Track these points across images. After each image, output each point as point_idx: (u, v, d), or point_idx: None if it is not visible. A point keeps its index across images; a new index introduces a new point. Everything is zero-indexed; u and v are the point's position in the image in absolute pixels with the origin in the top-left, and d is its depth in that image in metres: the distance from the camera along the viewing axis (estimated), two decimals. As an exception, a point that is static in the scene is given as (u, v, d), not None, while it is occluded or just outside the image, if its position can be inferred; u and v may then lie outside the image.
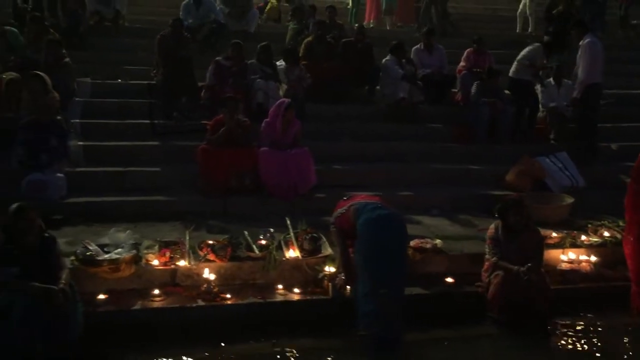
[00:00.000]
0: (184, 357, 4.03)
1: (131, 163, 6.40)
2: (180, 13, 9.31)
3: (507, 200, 4.72)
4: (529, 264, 4.33)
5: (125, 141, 6.72)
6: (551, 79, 7.79)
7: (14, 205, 3.99)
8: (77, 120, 6.69)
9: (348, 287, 4.34)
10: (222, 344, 4.17)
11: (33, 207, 4.03)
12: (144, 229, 5.37)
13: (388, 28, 12.39)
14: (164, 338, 4.15)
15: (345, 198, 4.51)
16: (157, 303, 4.35)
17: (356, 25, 9.14)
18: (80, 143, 6.34)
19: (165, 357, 4.02)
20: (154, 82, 7.56)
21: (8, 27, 6.83)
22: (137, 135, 6.85)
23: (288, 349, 4.16)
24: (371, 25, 12.20)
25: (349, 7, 12.83)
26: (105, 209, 5.74)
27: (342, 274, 4.41)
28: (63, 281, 3.90)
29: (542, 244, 4.68)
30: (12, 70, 6.36)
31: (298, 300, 4.49)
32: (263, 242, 4.88)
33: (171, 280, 4.61)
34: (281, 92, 7.29)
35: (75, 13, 8.70)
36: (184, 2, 9.38)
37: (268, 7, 12.11)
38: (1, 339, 3.74)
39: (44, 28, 7.06)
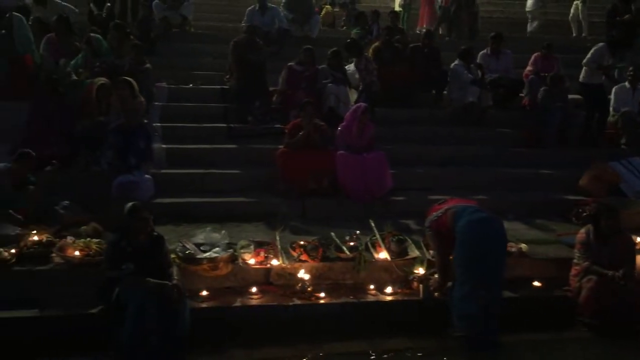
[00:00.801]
0: (284, 353, 4.19)
1: (210, 165, 6.59)
2: (245, 19, 9.57)
3: (599, 205, 4.74)
4: (624, 269, 4.34)
5: (203, 144, 6.92)
6: (626, 83, 7.71)
7: (129, 205, 4.21)
8: (158, 124, 6.93)
9: (441, 288, 4.42)
10: (318, 342, 4.30)
11: (146, 207, 4.25)
12: (229, 229, 5.54)
13: (440, 33, 12.42)
14: (262, 334, 4.30)
15: (439, 202, 4.59)
16: (255, 301, 4.51)
17: (423, 29, 9.19)
18: (163, 146, 6.56)
19: (266, 352, 4.19)
20: (227, 86, 7.78)
21: (93, 34, 7.12)
22: (213, 138, 7.05)
23: (382, 349, 4.28)
24: (424, 30, 12.25)
25: (399, 11, 12.89)
26: (190, 210, 5.94)
27: (436, 276, 4.49)
28: (175, 278, 4.11)
29: (634, 249, 4.68)
30: (98, 75, 6.63)
31: (390, 301, 4.59)
32: (352, 243, 5.00)
33: (264, 279, 4.76)
34: (351, 97, 7.41)
35: (147, 20, 9.02)
36: (249, 9, 9.62)
37: (323, 12, 12.32)
38: (118, 332, 3.96)
39: (126, 35, 7.35)
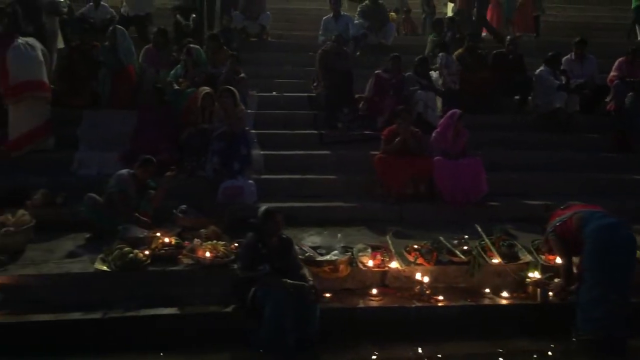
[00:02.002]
0: (410, 352, 4.33)
1: (304, 171, 6.80)
2: (321, 28, 9.80)
3: None
4: None
5: (295, 150, 7.13)
6: None
7: (263, 208, 4.43)
8: (253, 131, 7.17)
9: (563, 292, 4.49)
10: (440, 343, 4.43)
11: (279, 210, 4.46)
12: (334, 233, 5.72)
13: (508, 38, 12.38)
14: (387, 334, 4.44)
15: (562, 207, 4.66)
16: (375, 302, 4.66)
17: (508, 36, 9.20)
18: (262, 152, 6.79)
19: (393, 352, 4.34)
20: (314, 94, 7.99)
21: (193, 45, 7.42)
22: (304, 144, 7.25)
23: (504, 350, 4.38)
24: (509, 37, 12.23)
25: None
26: (293, 214, 6.07)
27: (555, 280, 4.56)
28: (310, 279, 4.29)
29: None
30: (197, 85, 6.91)
31: (509, 304, 4.68)
32: (464, 247, 5.11)
33: (380, 282, 4.91)
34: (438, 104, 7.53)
35: (229, 30, 9.32)
36: (324, 18, 9.84)
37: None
38: (255, 330, 4.17)
39: (220, 45, 7.64)
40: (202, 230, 5.33)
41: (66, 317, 4.30)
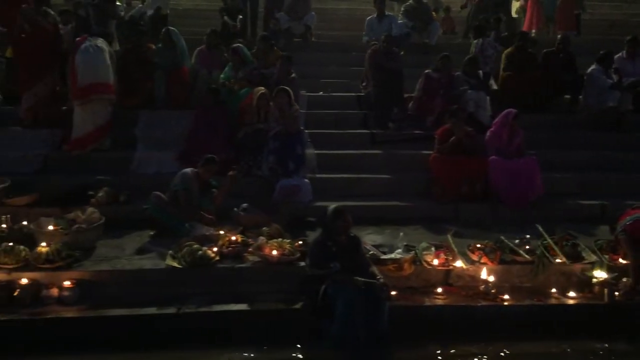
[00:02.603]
0: (478, 350, 4.35)
1: (356, 170, 6.85)
2: (365, 28, 9.84)
3: None
4: None
5: (345, 150, 7.18)
6: None
7: (332, 207, 4.50)
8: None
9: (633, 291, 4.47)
10: (509, 341, 4.44)
11: (346, 210, 4.53)
12: (392, 232, 5.76)
13: (550, 36, 12.28)
14: (455, 332, 4.47)
15: (634, 206, 4.64)
16: (441, 300, 4.70)
17: (559, 35, 9.14)
18: (315, 151, 6.85)
19: (462, 349, 4.37)
20: (362, 93, 8.03)
21: (241, 45, 7.53)
22: (355, 144, 7.29)
23: (572, 350, 4.38)
24: (532, 34, 12.15)
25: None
26: (350, 213, 6.17)
27: (624, 279, 4.54)
28: (380, 277, 4.35)
29: None
30: (253, 84, 7.01)
31: (575, 304, 4.68)
32: (527, 247, 5.11)
33: (444, 280, 4.94)
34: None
35: (275, 30, 9.42)
36: (368, 18, 9.89)
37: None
38: (328, 327, 4.24)
39: (271, 46, 7.73)
40: (263, 228, 5.44)
41: (141, 312, 4.43)
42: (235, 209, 5.74)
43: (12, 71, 7.13)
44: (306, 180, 6.34)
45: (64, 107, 6.94)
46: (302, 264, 4.86)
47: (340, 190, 6.55)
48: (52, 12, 6.96)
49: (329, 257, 4.37)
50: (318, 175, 6.62)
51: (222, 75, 7.41)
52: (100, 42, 6.61)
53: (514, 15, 12.49)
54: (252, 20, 10.41)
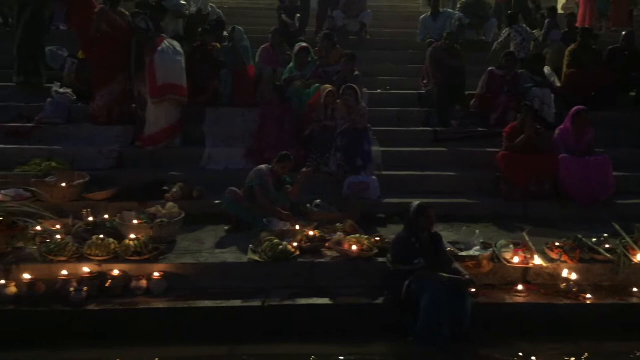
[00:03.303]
0: (566, 347, 4.35)
1: (420, 167, 6.87)
2: (419, 26, 9.83)
3: None
4: None
5: (408, 147, 7.20)
6: None
7: (416, 204, 4.54)
8: (369, 128, 7.29)
9: None
10: (595, 340, 4.43)
11: (431, 205, 4.57)
12: (463, 229, 5.76)
13: (603, 32, 12.06)
14: (538, 329, 4.48)
15: None
16: (521, 298, 4.69)
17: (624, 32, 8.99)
18: (380, 149, 6.89)
19: (549, 346, 4.37)
20: (423, 91, 8.04)
21: (305, 44, 7.62)
22: (417, 141, 7.30)
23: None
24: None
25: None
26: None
27: None
28: (466, 273, 4.38)
29: None
30: (316, 83, 7.09)
31: (660, 303, 4.63)
32: (606, 245, 5.06)
33: (522, 278, 4.93)
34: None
35: (330, 28, 9.47)
36: (422, 16, 9.88)
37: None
38: (411, 322, 4.29)
39: (334, 44, 7.80)
40: (337, 224, 5.51)
41: (227, 304, 4.55)
42: (308, 204, 5.83)
43: (82, 71, 7.33)
44: (374, 177, 6.39)
45: (133, 105, 7.17)
46: (380, 259, 4.93)
47: (406, 187, 6.58)
48: (127, 12, 7.15)
49: (412, 252, 4.42)
50: (386, 172, 6.66)
51: (284, 74, 7.50)
52: (176, 45, 6.77)
53: (559, 11, 12.31)
54: (301, 18, 10.46)
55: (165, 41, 6.73)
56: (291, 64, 7.52)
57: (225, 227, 5.72)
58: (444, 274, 4.30)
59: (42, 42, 7.56)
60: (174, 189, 6.08)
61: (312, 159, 6.51)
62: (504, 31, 9.25)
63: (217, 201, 5.92)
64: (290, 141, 6.59)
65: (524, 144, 6.35)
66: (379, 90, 8.54)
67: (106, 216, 5.56)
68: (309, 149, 6.60)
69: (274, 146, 6.48)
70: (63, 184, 5.94)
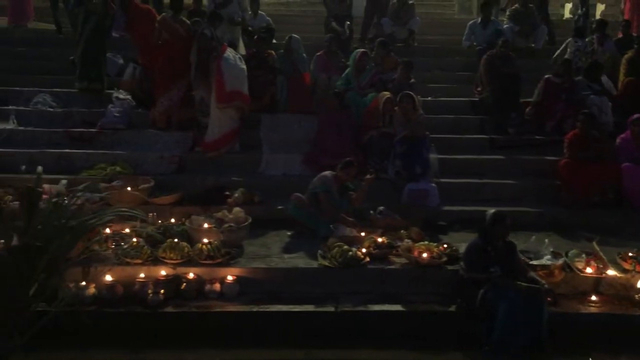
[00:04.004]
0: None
1: (479, 175, 6.85)
2: (466, 32, 9.80)
3: None
4: None
5: (466, 155, 7.16)
6: None
7: (492, 212, 4.55)
8: (424, 135, 7.29)
9: None
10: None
11: (507, 214, 4.56)
12: (524, 238, 5.67)
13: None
14: (615, 341, 4.43)
15: None
16: (595, 308, 4.65)
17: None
18: (437, 156, 6.89)
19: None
20: (476, 98, 8.03)
21: (364, 50, 7.66)
22: (473, 149, 7.28)
23: None
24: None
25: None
26: (476, 218, 6.13)
27: None
28: (544, 282, 4.36)
29: None
30: (378, 89, 7.15)
31: None
32: (681, 256, 4.99)
33: (593, 288, 4.88)
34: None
35: (378, 35, 9.51)
36: (469, 23, 9.84)
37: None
38: (487, 330, 4.28)
39: (389, 51, 7.85)
40: (402, 231, 5.53)
41: (301, 308, 4.60)
42: (372, 211, 5.87)
43: (145, 78, 7.46)
44: (433, 184, 6.40)
45: (192, 111, 7.31)
46: (450, 267, 4.94)
47: (465, 194, 6.58)
48: (188, 21, 7.30)
49: (487, 261, 4.42)
50: (444, 180, 6.66)
51: (338, 82, 7.54)
52: (236, 53, 6.94)
53: (597, 16, 12.18)
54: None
55: (228, 49, 6.85)
56: (348, 71, 7.55)
57: (289, 233, 5.78)
58: (522, 283, 4.29)
59: (105, 50, 7.73)
60: (236, 194, 6.17)
61: (370, 166, 6.54)
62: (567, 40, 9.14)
63: (280, 207, 6.01)
64: (349, 148, 6.62)
65: (587, 152, 6.29)
66: (429, 98, 8.52)
67: (173, 220, 5.67)
68: (367, 156, 6.64)
69: (332, 153, 6.54)
70: (129, 188, 6.09)
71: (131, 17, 7.57)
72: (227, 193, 6.23)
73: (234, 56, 6.86)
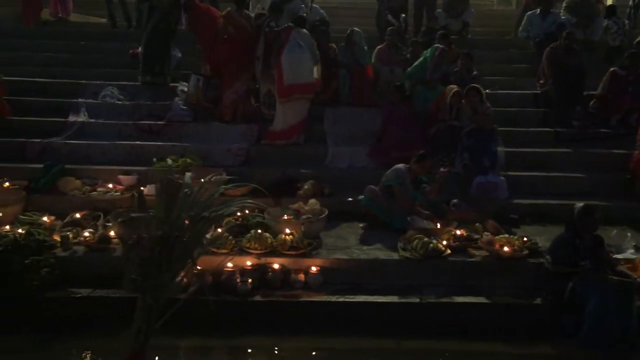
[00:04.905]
0: None
1: (545, 168, 6.83)
2: (523, 23, 9.70)
3: None
4: None
5: (531, 148, 7.12)
6: None
7: (581, 205, 4.55)
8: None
9: None
10: None
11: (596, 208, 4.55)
12: (612, 232, 5.64)
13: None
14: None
15: None
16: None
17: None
18: (504, 149, 6.87)
19: None
20: (538, 91, 7.97)
21: (442, 46, 7.66)
22: (537, 142, 7.25)
23: None
24: None
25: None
26: (546, 211, 6.15)
27: None
28: (635, 277, 4.35)
29: None
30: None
31: None
32: None
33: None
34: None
35: (432, 28, 9.50)
36: (528, 13, 9.72)
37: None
38: (576, 323, 4.29)
39: (450, 43, 7.84)
40: (477, 224, 5.55)
41: (385, 299, 4.67)
42: (445, 204, 5.90)
43: (209, 89, 7.41)
44: (502, 177, 6.39)
45: (257, 104, 7.41)
46: (532, 260, 4.96)
47: (533, 187, 6.57)
48: (252, 15, 7.39)
49: (575, 254, 4.42)
50: (510, 173, 6.65)
51: (409, 72, 7.50)
52: (305, 35, 6.93)
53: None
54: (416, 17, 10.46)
55: (292, 37, 6.84)
56: (421, 62, 7.42)
57: (360, 225, 5.85)
58: (614, 277, 4.28)
59: (169, 46, 7.83)
60: (305, 186, 6.25)
61: (437, 159, 6.55)
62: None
63: (350, 199, 6.08)
64: (416, 141, 6.65)
65: (660, 146, 6.23)
66: (487, 91, 8.45)
67: (247, 212, 5.77)
68: (434, 149, 6.65)
69: (399, 146, 6.59)
70: (202, 180, 6.19)
71: (193, 17, 7.65)
72: (298, 185, 6.31)
73: (299, 43, 6.84)
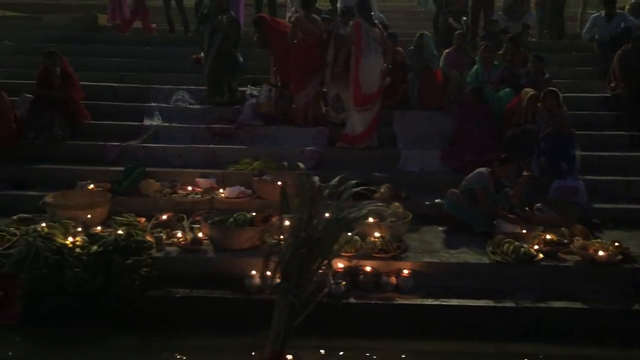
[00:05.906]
0: None
1: (623, 173, 6.73)
2: (588, 25, 9.57)
3: None
4: None
5: (606, 151, 7.00)
6: None
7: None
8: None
9: None
10: None
11: None
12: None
13: None
14: None
15: None
16: None
17: None
18: (581, 153, 6.78)
19: None
20: (608, 94, 7.86)
21: (486, 42, 7.65)
22: (612, 146, 7.15)
23: None
24: None
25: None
26: (626, 216, 6.07)
27: None
28: None
29: None
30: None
31: None
32: None
33: None
34: None
35: (491, 31, 9.42)
36: (592, 15, 9.60)
37: None
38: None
39: (517, 46, 7.78)
40: (563, 229, 5.48)
41: (479, 303, 4.65)
42: (527, 208, 5.85)
43: (281, 100, 7.44)
44: (581, 181, 6.31)
45: (326, 108, 7.47)
46: (627, 266, 4.88)
47: (612, 192, 6.49)
48: (319, 18, 7.45)
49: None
50: (588, 177, 6.56)
51: (467, 78, 7.52)
52: (377, 34, 6.93)
53: None
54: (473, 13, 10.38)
55: (364, 33, 6.80)
56: (477, 66, 7.51)
57: (441, 228, 5.84)
58: None
59: (231, 68, 7.77)
60: (382, 190, 6.25)
61: (513, 163, 6.48)
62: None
63: (436, 200, 6.06)
64: (491, 144, 6.62)
65: None
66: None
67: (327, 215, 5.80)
68: (510, 153, 6.59)
69: (474, 149, 6.56)
70: (279, 183, 6.26)
71: (264, 33, 7.71)
72: (373, 188, 6.32)
73: (376, 50, 6.84)
